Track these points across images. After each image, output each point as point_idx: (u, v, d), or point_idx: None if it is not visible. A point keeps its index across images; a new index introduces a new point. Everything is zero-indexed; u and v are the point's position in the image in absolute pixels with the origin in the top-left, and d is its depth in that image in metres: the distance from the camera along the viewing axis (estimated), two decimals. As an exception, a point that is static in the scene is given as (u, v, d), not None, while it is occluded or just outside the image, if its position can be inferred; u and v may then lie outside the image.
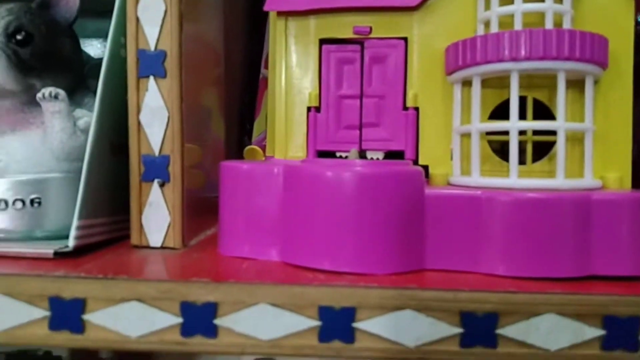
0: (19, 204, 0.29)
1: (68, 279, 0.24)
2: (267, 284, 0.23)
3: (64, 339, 0.24)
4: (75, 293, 0.23)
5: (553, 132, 0.27)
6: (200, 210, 0.34)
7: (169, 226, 0.30)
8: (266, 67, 0.50)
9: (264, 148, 0.41)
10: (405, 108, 0.31)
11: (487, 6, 0.29)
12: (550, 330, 0.23)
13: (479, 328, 0.23)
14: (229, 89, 0.45)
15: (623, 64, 0.29)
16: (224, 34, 0.42)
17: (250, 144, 0.48)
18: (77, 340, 0.24)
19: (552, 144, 0.29)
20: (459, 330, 0.23)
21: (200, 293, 0.23)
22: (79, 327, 0.24)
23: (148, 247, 0.30)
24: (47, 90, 0.29)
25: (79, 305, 0.23)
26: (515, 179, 0.26)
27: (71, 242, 0.27)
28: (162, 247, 0.30)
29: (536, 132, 0.30)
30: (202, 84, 0.36)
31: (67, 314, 0.23)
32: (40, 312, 0.24)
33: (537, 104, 0.30)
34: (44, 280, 0.24)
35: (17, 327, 0.24)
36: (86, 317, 0.23)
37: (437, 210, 0.26)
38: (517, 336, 0.23)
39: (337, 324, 0.23)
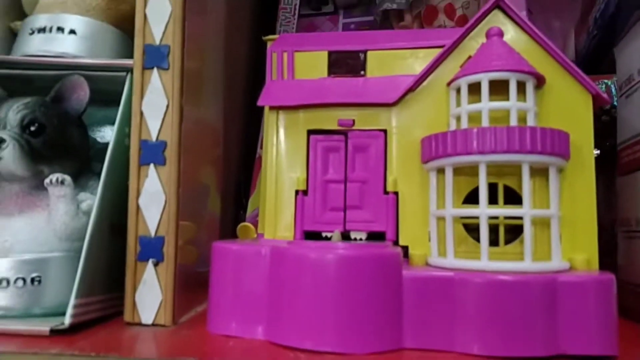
0: (20, 282, 0.31)
1: (63, 356, 0.25)
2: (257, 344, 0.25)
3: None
4: (68, 372, 0.25)
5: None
6: (192, 286, 0.35)
7: (160, 304, 0.32)
8: (262, 147, 0.53)
9: (256, 223, 0.43)
10: (385, 192, 0.33)
11: (458, 103, 0.32)
12: (521, 410, 0.24)
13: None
14: (226, 166, 0.48)
15: (585, 153, 0.31)
16: (224, 116, 0.46)
17: (245, 217, 0.51)
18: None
19: (522, 226, 0.31)
20: (433, 410, 0.24)
21: (187, 373, 0.24)
22: (69, 405, 0.25)
23: (140, 324, 0.32)
24: (54, 177, 0.32)
25: (71, 384, 0.25)
26: (487, 261, 0.28)
27: (67, 320, 0.29)
28: (153, 325, 0.32)
29: (508, 217, 0.32)
30: (201, 164, 0.38)
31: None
32: (34, 390, 0.25)
33: (508, 189, 0.32)
34: (39, 358, 0.25)
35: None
36: (77, 395, 0.25)
37: (414, 291, 0.28)
38: (489, 416, 0.24)
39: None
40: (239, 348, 0.27)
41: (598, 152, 0.54)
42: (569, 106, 0.31)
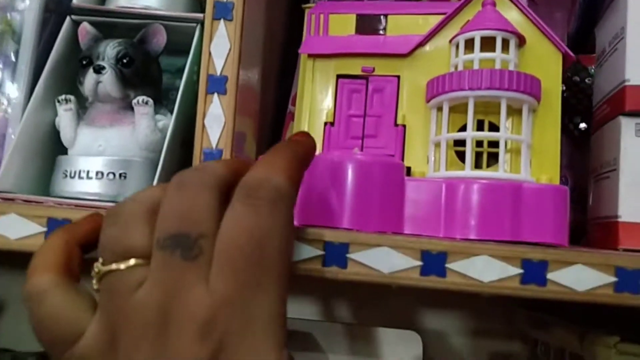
0: (111, 176, 0.41)
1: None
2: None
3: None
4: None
5: (500, 143, 0.38)
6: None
7: (217, 201, 0.41)
8: (293, 104, 0.62)
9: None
10: (396, 125, 0.42)
11: (457, 55, 0.41)
12: (484, 267, 0.32)
13: (433, 262, 0.33)
14: (262, 119, 0.57)
15: (553, 98, 0.40)
16: (261, 75, 0.55)
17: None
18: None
19: (501, 153, 0.40)
20: (419, 263, 0.33)
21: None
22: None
23: (200, 215, 0.41)
24: (140, 98, 0.42)
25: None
26: (469, 171, 0.37)
27: (150, 200, 0.38)
28: (210, 217, 0.41)
29: (491, 146, 0.41)
30: (243, 112, 0.47)
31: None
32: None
33: (492, 127, 0.41)
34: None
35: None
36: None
37: (413, 192, 0.37)
38: (460, 270, 0.32)
39: (336, 254, 0.33)
40: (279, 222, 0.36)
41: (585, 125, 0.62)
42: (543, 60, 0.40)
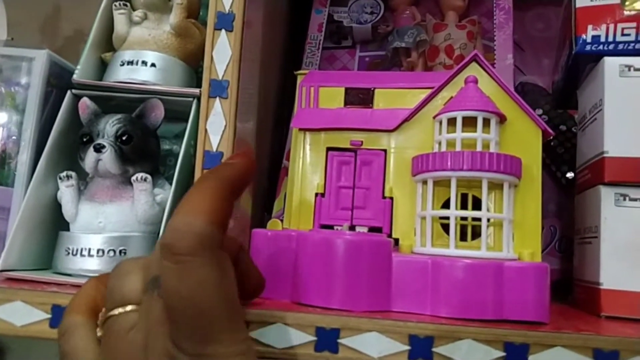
0: (111, 253, 0.42)
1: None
2: (280, 310, 0.36)
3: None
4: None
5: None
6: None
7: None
8: (287, 158, 0.64)
9: (281, 221, 0.54)
10: (384, 197, 0.44)
11: (440, 132, 0.42)
12: (468, 350, 0.34)
13: (420, 346, 0.34)
14: (257, 174, 0.59)
15: (534, 173, 0.41)
16: (257, 132, 0.57)
17: (271, 217, 0.61)
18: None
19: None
20: (407, 347, 0.34)
21: (238, 314, 0.35)
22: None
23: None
24: (139, 175, 0.43)
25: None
26: (454, 249, 0.39)
27: (149, 279, 0.40)
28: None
29: (475, 219, 0.43)
30: None
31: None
32: (132, 322, 0.36)
33: (476, 200, 0.43)
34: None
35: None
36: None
37: (400, 270, 0.39)
38: (446, 353, 0.34)
39: (327, 340, 0.35)
40: (273, 304, 0.38)
41: (572, 174, 0.64)
42: (523, 137, 0.42)
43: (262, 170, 0.63)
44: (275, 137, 0.65)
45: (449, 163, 0.39)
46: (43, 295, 0.37)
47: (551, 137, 0.43)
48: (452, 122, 0.42)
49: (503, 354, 0.34)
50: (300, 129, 0.46)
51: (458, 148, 0.41)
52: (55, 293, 0.37)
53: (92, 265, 0.42)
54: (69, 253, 0.43)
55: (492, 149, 0.41)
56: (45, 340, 0.36)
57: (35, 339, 0.36)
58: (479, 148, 0.40)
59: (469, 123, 0.41)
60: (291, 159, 0.47)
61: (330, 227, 0.45)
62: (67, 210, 0.44)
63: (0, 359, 0.53)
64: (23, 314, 0.36)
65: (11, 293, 0.37)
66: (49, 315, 0.36)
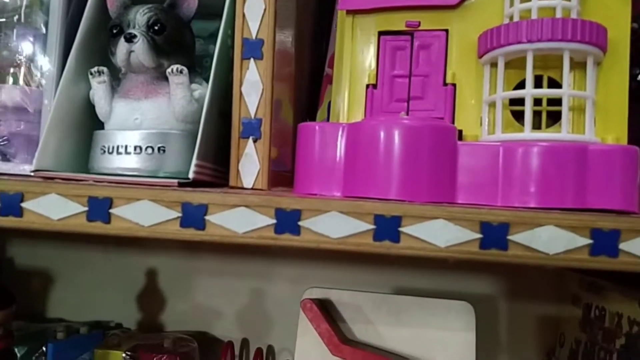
0: (149, 150, 0.39)
1: (195, 192, 0.33)
2: (337, 198, 0.32)
3: (191, 234, 0.33)
4: (201, 200, 0.33)
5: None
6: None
7: (258, 172, 0.40)
8: (330, 66, 0.59)
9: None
10: (445, 84, 0.39)
11: (512, 3, 0.37)
12: (550, 238, 0.30)
13: (494, 234, 0.30)
14: (297, 83, 0.55)
15: (621, 49, 0.36)
16: (296, 36, 0.52)
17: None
18: (200, 235, 0.33)
19: (561, 112, 0.36)
20: (478, 235, 0.30)
21: (289, 202, 0.32)
22: (202, 225, 0.33)
23: (242, 187, 0.40)
24: (174, 67, 0.40)
25: (203, 209, 0.33)
26: (529, 133, 0.34)
27: (191, 175, 0.37)
28: (252, 188, 0.40)
29: (550, 104, 0.38)
30: (279, 77, 0.45)
31: (194, 215, 0.33)
32: (175, 214, 0.33)
33: (552, 82, 0.38)
34: (179, 192, 0.33)
35: (156, 224, 0.33)
36: (207, 217, 0.33)
37: (467, 158, 0.34)
38: (524, 242, 0.30)
39: (387, 228, 0.31)
40: (323, 197, 0.35)
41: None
42: (609, 5, 0.36)
43: (303, 77, 0.58)
44: (316, 42, 0.61)
45: (524, 34, 0.34)
46: (79, 188, 0.34)
47: None
48: (525, -9, 0.36)
49: (590, 241, 0.30)
50: (347, 12, 0.41)
51: (534, 17, 0.35)
52: (92, 185, 0.35)
53: (131, 163, 0.39)
54: (104, 151, 0.40)
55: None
56: (81, 234, 0.33)
57: (72, 234, 0.33)
58: (558, 16, 0.35)
59: (546, -9, 0.36)
60: (337, 48, 0.43)
61: (385, 119, 0.41)
62: (101, 108, 0.41)
63: (9, 306, 0.52)
64: (59, 207, 0.34)
65: (45, 186, 0.34)
66: (86, 208, 0.34)
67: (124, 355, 0.57)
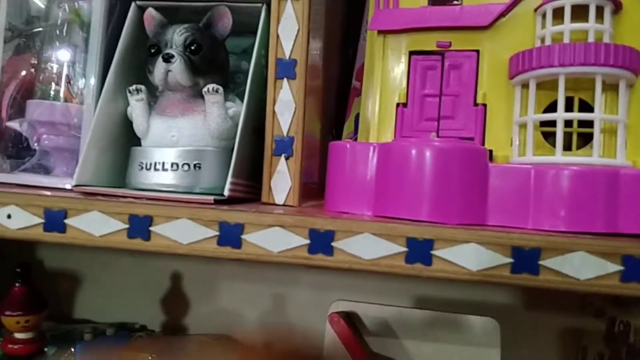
0: (185, 167, 0.41)
1: (232, 212, 0.34)
2: (370, 219, 0.33)
3: (228, 253, 0.34)
4: (238, 220, 0.34)
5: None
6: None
7: (290, 189, 0.41)
8: (357, 79, 0.60)
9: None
10: (475, 104, 0.40)
11: (543, 25, 0.37)
12: (581, 264, 0.30)
13: (525, 259, 0.31)
14: (325, 96, 0.55)
15: (654, 71, 0.36)
16: (324, 51, 0.53)
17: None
18: (236, 254, 0.34)
19: (592, 134, 0.37)
20: (509, 260, 0.31)
21: (323, 223, 0.33)
22: (238, 244, 0.34)
23: (274, 204, 0.41)
24: (211, 86, 0.41)
25: (239, 228, 0.34)
26: (560, 156, 0.34)
27: (226, 192, 0.38)
28: (284, 205, 0.41)
29: (581, 126, 0.38)
30: (308, 91, 0.46)
31: (231, 234, 0.34)
32: (212, 232, 0.34)
33: (583, 104, 0.38)
34: (216, 210, 0.35)
35: (194, 242, 0.35)
36: (244, 236, 0.34)
37: (498, 180, 0.35)
38: (555, 267, 0.31)
39: (419, 251, 0.32)
40: (352, 216, 0.35)
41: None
42: (643, 29, 0.36)
43: (331, 90, 0.59)
44: (343, 57, 0.61)
45: (556, 58, 0.34)
46: (120, 206, 0.36)
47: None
48: (558, 13, 0.36)
49: (621, 268, 0.30)
50: (378, 32, 0.42)
51: (566, 41, 0.35)
52: (132, 203, 0.36)
53: (167, 179, 0.40)
54: (142, 168, 0.41)
55: (606, 41, 0.35)
56: (122, 250, 0.35)
57: (113, 250, 0.35)
58: (591, 40, 0.35)
59: (578, 13, 0.36)
60: (367, 67, 0.44)
61: (415, 138, 0.41)
62: (139, 125, 0.43)
63: (42, 311, 0.55)
64: (101, 224, 0.35)
65: (88, 203, 0.36)
66: (127, 225, 0.35)
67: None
